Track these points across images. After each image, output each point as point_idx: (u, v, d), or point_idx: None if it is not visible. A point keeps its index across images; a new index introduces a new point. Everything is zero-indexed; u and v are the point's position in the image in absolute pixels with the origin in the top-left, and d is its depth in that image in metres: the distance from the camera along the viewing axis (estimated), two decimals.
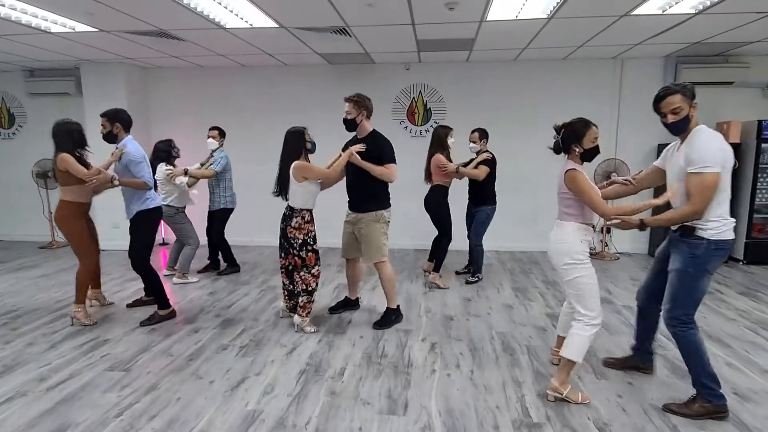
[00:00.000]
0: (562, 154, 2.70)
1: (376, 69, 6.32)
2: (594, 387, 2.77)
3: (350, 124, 3.64)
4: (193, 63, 6.28)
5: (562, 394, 2.58)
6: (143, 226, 3.79)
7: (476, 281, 4.95)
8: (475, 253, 4.94)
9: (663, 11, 4.02)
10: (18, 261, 5.99)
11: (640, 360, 2.94)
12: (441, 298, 4.45)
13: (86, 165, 3.69)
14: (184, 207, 4.92)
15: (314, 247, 3.60)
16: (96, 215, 3.97)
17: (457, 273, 5.28)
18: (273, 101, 6.56)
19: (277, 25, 4.44)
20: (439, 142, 4.59)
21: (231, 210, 5.21)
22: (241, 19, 4.28)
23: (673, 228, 2.51)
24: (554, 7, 3.93)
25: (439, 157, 4.56)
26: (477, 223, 4.85)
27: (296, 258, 3.55)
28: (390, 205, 3.77)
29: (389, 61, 6.15)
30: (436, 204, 4.68)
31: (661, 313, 2.56)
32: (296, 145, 3.53)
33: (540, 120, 6.17)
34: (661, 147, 5.60)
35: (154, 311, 3.88)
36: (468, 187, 4.95)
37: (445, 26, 4.48)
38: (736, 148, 5.44)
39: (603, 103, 6.09)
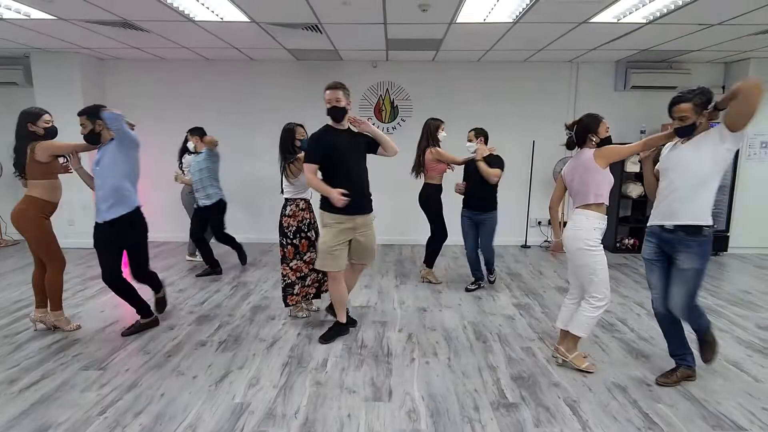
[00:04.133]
0: (576, 149, 2.91)
1: (343, 66, 6.37)
2: (561, 370, 2.99)
3: (341, 113, 3.18)
4: (155, 55, 6.09)
5: (567, 359, 2.93)
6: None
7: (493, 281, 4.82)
8: (492, 259, 4.65)
9: (618, 20, 4.32)
10: None
11: (690, 367, 2.81)
12: (413, 291, 4.59)
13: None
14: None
15: (308, 234, 3.65)
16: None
17: (468, 290, 4.62)
18: (238, 96, 6.46)
19: (248, 20, 4.40)
20: (430, 135, 4.46)
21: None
22: (212, 12, 4.22)
23: (671, 227, 2.54)
24: (520, 12, 4.13)
25: (444, 153, 4.42)
26: (488, 231, 4.42)
27: (288, 247, 3.60)
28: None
29: (357, 58, 6.22)
30: (437, 203, 4.57)
31: (678, 315, 2.66)
32: (288, 140, 3.64)
33: (501, 118, 6.46)
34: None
35: (136, 320, 3.60)
36: (467, 193, 4.45)
37: (416, 27, 4.60)
38: None
39: (560, 102, 6.42)
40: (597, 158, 2.73)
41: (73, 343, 3.35)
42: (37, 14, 4.30)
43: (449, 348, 3.32)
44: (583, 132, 2.82)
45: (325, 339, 3.39)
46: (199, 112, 6.35)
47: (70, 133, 3.75)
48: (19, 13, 4.27)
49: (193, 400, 2.61)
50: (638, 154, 2.82)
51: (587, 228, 2.75)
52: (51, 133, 3.42)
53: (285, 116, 5.59)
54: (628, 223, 6.43)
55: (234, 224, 6.56)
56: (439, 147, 4.49)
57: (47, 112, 3.41)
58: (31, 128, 3.32)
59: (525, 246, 6.71)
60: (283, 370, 2.98)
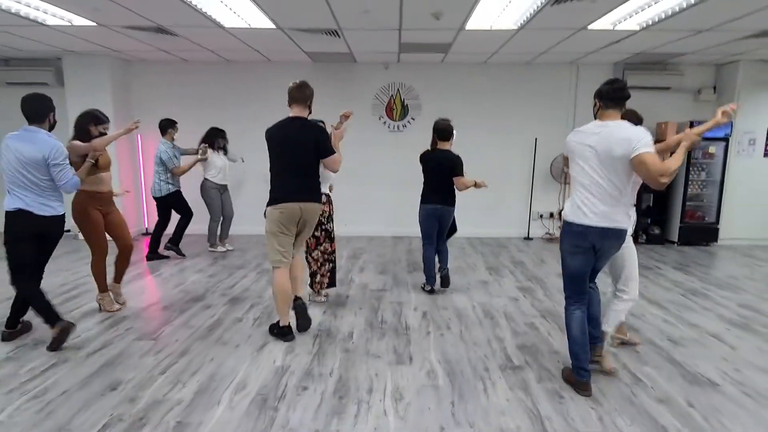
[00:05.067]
0: None
1: (356, 67, 6.75)
2: (560, 340, 3.36)
3: None
4: (178, 57, 6.47)
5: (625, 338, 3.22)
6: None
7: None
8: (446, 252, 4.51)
9: (614, 26, 4.69)
10: None
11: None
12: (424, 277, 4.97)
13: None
14: (221, 184, 5.86)
15: (327, 226, 3.96)
16: None
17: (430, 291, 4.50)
18: (256, 95, 6.84)
19: (274, 26, 4.78)
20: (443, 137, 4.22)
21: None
22: (241, 19, 4.59)
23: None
24: (524, 21, 4.50)
25: (465, 181, 4.18)
26: (451, 222, 4.39)
27: (311, 238, 3.91)
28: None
29: (370, 60, 6.59)
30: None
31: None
32: None
33: (505, 116, 6.84)
34: None
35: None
36: (438, 187, 4.25)
37: (428, 32, 4.98)
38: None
39: (560, 102, 6.80)
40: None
41: (122, 320, 3.73)
42: (79, 21, 4.68)
43: (461, 323, 3.71)
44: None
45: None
46: (219, 110, 6.74)
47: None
48: (63, 19, 4.65)
49: (239, 364, 2.99)
50: None
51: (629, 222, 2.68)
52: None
53: None
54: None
55: (251, 218, 6.94)
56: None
57: (109, 121, 3.83)
58: (92, 130, 3.67)
59: (527, 238, 7.09)
60: (315, 340, 3.36)
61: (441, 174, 4.23)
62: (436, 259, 4.45)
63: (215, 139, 5.85)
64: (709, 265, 5.60)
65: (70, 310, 3.90)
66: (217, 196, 5.85)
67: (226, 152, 5.96)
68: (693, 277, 5.04)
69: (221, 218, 6.00)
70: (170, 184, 5.45)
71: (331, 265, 4.11)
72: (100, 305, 3.93)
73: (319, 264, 4.04)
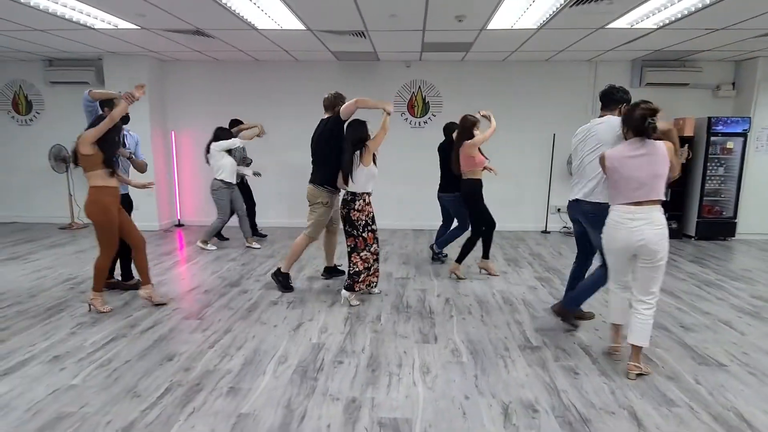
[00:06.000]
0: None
1: (379, 65, 6.99)
2: (578, 323, 3.58)
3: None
4: (211, 57, 6.79)
5: (643, 371, 2.78)
6: None
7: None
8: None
9: (632, 26, 4.84)
10: (47, 240, 6.42)
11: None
12: (446, 266, 5.21)
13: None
14: (231, 183, 5.79)
15: (373, 227, 3.97)
16: None
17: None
18: (284, 93, 7.14)
19: (304, 28, 5.05)
20: (466, 132, 4.48)
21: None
22: (273, 21, 4.86)
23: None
24: (544, 20, 4.68)
25: (475, 141, 4.46)
26: (463, 214, 4.95)
27: (359, 239, 3.91)
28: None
29: (392, 59, 6.83)
30: (475, 200, 4.63)
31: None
32: (360, 134, 3.83)
33: (524, 113, 7.01)
34: None
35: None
36: (441, 175, 5.09)
37: (450, 32, 5.19)
38: (690, 141, 6.39)
39: (579, 98, 6.94)
40: (669, 154, 2.63)
41: (168, 302, 4.05)
42: (124, 24, 5.01)
43: (481, 308, 3.94)
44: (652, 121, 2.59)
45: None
46: (249, 108, 7.05)
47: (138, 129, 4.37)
48: (110, 24, 4.99)
49: (278, 341, 3.28)
50: None
51: (666, 224, 2.66)
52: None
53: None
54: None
55: (280, 211, 7.39)
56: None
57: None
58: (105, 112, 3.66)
59: (545, 231, 7.27)
60: (346, 322, 3.63)
61: (441, 161, 5.09)
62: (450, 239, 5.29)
63: (222, 138, 5.75)
64: (724, 258, 5.71)
65: (120, 292, 4.24)
66: (226, 196, 5.78)
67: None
68: (708, 269, 5.17)
69: (229, 218, 5.96)
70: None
71: (377, 264, 4.10)
72: (90, 305, 3.78)
73: (366, 265, 3.97)
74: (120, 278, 4.39)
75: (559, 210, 7.28)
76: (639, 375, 2.78)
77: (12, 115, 7.40)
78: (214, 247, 5.95)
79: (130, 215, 4.02)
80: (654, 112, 2.59)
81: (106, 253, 3.74)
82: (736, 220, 6.63)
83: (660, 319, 3.66)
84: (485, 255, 4.93)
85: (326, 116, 4.21)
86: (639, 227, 2.64)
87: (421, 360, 3.01)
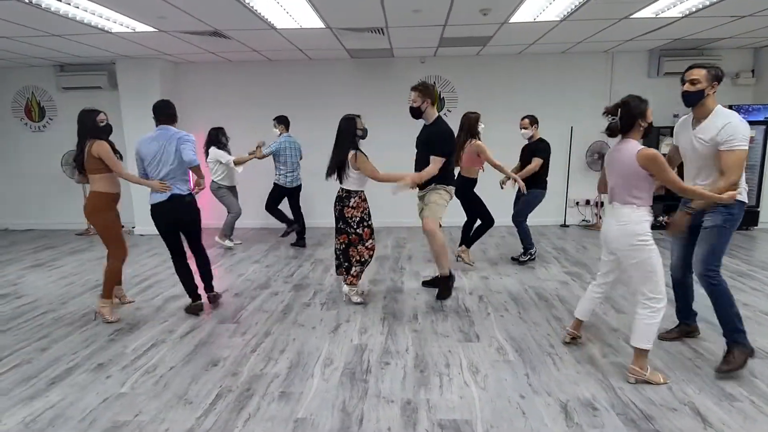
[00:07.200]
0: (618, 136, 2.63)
1: (394, 62, 6.93)
2: (618, 318, 3.54)
3: (415, 112, 3.97)
4: (224, 58, 6.74)
5: (644, 377, 2.61)
6: None
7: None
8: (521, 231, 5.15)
9: (656, 15, 4.79)
10: (67, 246, 6.39)
11: (689, 324, 3.20)
12: (473, 265, 5.17)
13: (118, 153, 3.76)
14: (229, 185, 5.92)
15: (369, 222, 3.90)
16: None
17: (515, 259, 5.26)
18: (297, 92, 7.08)
19: (324, 26, 4.99)
20: (470, 129, 4.68)
21: (282, 188, 5.88)
22: (293, 19, 4.80)
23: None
24: (568, 12, 4.63)
25: (486, 152, 4.61)
26: (523, 203, 5.05)
27: (353, 235, 3.84)
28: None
29: (407, 55, 6.77)
30: (470, 195, 4.86)
31: (696, 274, 2.79)
32: (350, 130, 3.76)
33: (540, 106, 6.93)
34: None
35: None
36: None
37: (471, 27, 5.13)
38: None
39: (596, 90, 6.88)
40: (646, 161, 2.43)
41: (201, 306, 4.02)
42: (141, 27, 4.96)
43: (517, 305, 3.91)
44: (632, 117, 2.50)
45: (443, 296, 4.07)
46: (261, 108, 6.99)
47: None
48: (128, 27, 4.93)
49: (320, 343, 3.25)
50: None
51: (636, 220, 2.53)
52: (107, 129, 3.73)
53: (340, 110, 6.15)
54: (663, 200, 6.86)
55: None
56: (480, 140, 4.66)
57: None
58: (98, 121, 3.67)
59: (564, 225, 7.23)
60: (383, 322, 3.60)
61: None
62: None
63: (218, 138, 5.80)
64: (751, 248, 5.67)
65: (151, 298, 4.22)
66: (228, 193, 5.91)
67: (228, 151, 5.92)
68: (737, 259, 5.14)
69: (240, 210, 6.01)
70: (280, 175, 5.86)
71: (370, 260, 4.01)
72: (96, 314, 3.76)
73: (359, 257, 3.90)
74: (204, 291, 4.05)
75: (577, 203, 7.24)
76: (645, 382, 2.60)
77: (25, 122, 7.37)
78: (231, 243, 6.07)
79: (198, 225, 3.89)
80: None
81: (115, 255, 3.74)
82: (758, 209, 6.58)
83: (703, 313, 3.62)
84: (469, 244, 5.08)
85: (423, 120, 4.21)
86: (608, 222, 2.73)
87: (468, 359, 2.97)
